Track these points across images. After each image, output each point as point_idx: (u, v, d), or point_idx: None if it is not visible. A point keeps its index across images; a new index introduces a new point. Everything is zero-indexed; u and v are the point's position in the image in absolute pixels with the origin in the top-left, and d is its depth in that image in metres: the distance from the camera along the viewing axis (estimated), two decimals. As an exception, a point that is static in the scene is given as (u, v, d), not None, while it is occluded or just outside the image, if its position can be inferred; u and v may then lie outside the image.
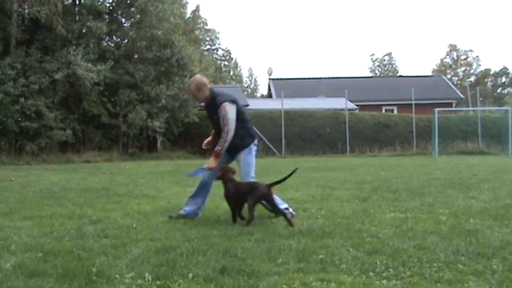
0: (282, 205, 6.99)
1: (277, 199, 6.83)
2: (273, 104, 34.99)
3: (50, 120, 24.65)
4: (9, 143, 24.82)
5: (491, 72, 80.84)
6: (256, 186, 6.70)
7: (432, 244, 5.13)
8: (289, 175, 6.88)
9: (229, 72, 77.93)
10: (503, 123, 29.93)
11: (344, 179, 12.80)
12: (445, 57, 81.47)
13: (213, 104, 7.15)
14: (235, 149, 7.19)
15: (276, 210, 6.68)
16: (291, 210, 7.00)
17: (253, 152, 7.29)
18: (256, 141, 7.38)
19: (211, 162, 7.05)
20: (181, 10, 35.80)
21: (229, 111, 6.99)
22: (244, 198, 6.64)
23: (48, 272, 4.32)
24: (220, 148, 6.98)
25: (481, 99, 38.97)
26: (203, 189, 7.34)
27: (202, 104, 7.44)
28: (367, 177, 13.09)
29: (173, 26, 29.94)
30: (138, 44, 28.74)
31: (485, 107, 48.65)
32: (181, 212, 7.27)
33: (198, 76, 7.43)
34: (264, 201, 6.70)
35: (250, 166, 7.21)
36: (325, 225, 6.33)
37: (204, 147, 7.61)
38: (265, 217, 7.00)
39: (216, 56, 71.88)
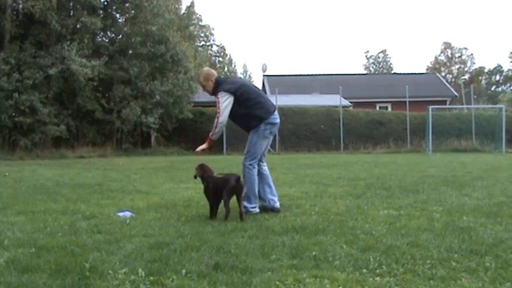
0: (273, 197, 7.33)
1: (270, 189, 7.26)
2: (267, 101, 34.89)
3: (44, 115, 24.62)
4: (2, 138, 24.80)
5: (486, 70, 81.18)
6: (228, 179, 6.76)
7: (425, 241, 5.14)
8: None
9: (224, 68, 77.78)
10: (497, 121, 29.97)
11: (338, 175, 12.80)
12: (439, 55, 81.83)
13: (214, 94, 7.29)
14: (247, 130, 7.38)
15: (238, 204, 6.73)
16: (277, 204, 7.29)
17: (261, 132, 7.26)
18: (269, 121, 7.30)
19: (203, 145, 7.17)
20: (176, 6, 35.63)
21: (221, 99, 7.08)
22: (221, 193, 6.71)
23: (41, 267, 4.31)
24: (212, 134, 7.12)
25: (475, 97, 38.99)
26: (260, 178, 7.41)
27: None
28: (361, 174, 13.10)
29: (168, 22, 29.86)
30: (133, 40, 28.68)
31: (479, 104, 48.78)
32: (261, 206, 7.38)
33: (206, 68, 7.57)
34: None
35: (250, 144, 7.28)
36: (319, 221, 6.33)
37: None
38: (258, 213, 7.00)
39: (211, 52, 71.74)
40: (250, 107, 7.18)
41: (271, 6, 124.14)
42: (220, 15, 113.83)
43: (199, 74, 7.50)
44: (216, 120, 7.06)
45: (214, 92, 7.26)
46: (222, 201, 6.67)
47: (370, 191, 9.46)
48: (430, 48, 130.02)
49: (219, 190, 6.69)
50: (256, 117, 7.21)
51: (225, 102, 7.07)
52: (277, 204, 7.32)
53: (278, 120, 7.44)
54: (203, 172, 7.01)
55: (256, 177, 7.32)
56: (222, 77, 7.59)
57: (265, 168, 7.52)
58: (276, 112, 7.45)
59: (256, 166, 7.32)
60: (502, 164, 17.29)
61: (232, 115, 7.21)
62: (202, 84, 7.36)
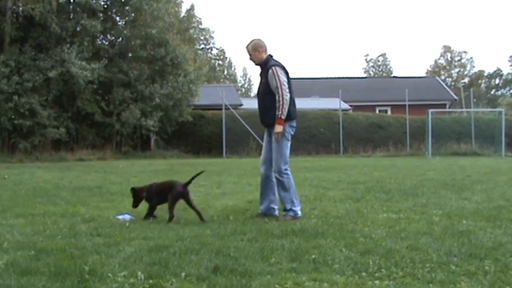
0: (275, 206, 7.32)
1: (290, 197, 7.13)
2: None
3: (44, 118, 24.61)
4: (2, 140, 24.82)
5: (485, 74, 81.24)
6: (174, 184, 6.90)
7: (425, 245, 5.14)
8: (197, 175, 7.04)
9: (224, 71, 77.92)
10: (497, 124, 30.04)
11: (337, 179, 12.81)
12: (439, 59, 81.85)
13: (263, 67, 7.23)
14: (269, 122, 7.23)
15: (192, 208, 6.85)
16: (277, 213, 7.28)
17: (286, 134, 7.18)
18: (294, 123, 7.30)
19: (277, 128, 7.02)
20: (176, 9, 35.64)
21: (279, 73, 7.01)
22: (165, 197, 6.83)
23: (40, 270, 4.30)
24: (280, 113, 6.97)
25: (474, 100, 39.09)
26: (267, 183, 7.39)
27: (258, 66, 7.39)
28: (361, 178, 13.10)
29: (168, 25, 29.90)
30: (133, 43, 28.70)
31: (478, 108, 48.81)
32: (259, 211, 7.35)
33: (257, 38, 7.41)
34: (182, 199, 6.87)
35: (279, 149, 7.17)
36: (318, 225, 6.34)
37: None
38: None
39: (210, 55, 71.85)
40: None
41: (271, 10, 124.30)
42: (220, 19, 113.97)
43: (249, 42, 7.34)
44: (279, 98, 6.94)
45: (263, 64, 7.22)
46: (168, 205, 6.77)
47: (370, 195, 9.47)
48: (430, 52, 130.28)
49: (164, 193, 6.84)
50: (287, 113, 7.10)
51: (284, 77, 7.03)
52: (277, 213, 7.30)
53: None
54: (142, 190, 7.13)
55: (293, 181, 7.30)
56: None
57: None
58: None
59: (289, 170, 7.27)
60: (501, 167, 17.30)
61: (268, 95, 7.14)
62: (249, 52, 7.30)
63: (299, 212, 7.13)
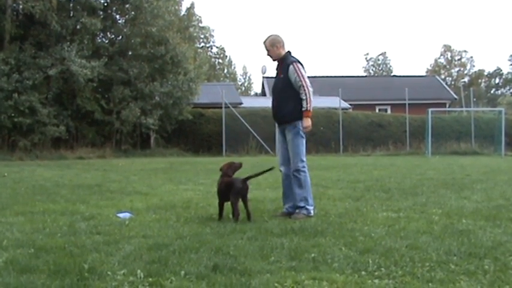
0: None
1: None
2: (267, 102, 34.71)
3: (44, 116, 24.61)
4: (2, 138, 24.81)
5: (485, 73, 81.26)
6: (233, 182, 6.82)
7: (424, 244, 5.13)
8: (265, 171, 7.10)
9: (224, 70, 77.84)
10: (497, 124, 29.99)
11: (337, 178, 12.81)
12: (439, 58, 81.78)
13: (282, 63, 7.21)
14: (283, 119, 7.31)
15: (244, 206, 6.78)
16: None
17: (299, 132, 7.18)
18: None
19: (305, 121, 7.09)
20: (176, 7, 35.53)
21: (301, 69, 7.05)
22: (226, 195, 6.74)
23: (40, 268, 4.30)
24: (308, 106, 7.05)
25: (474, 99, 39.08)
26: (289, 183, 7.34)
27: (275, 62, 7.37)
28: (360, 177, 13.10)
29: (168, 23, 29.84)
30: (133, 41, 28.68)
31: (478, 107, 48.78)
32: (284, 210, 7.31)
33: (275, 34, 7.39)
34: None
35: (295, 148, 7.17)
36: (318, 224, 6.33)
37: None
38: (257, 215, 6.99)
39: (211, 54, 71.78)
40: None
41: (271, 8, 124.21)
42: (220, 17, 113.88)
43: (267, 38, 7.32)
44: (305, 91, 7.00)
45: (281, 60, 7.22)
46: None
47: (370, 194, 9.46)
48: (430, 51, 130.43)
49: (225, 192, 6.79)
50: (300, 111, 7.12)
51: (305, 73, 7.06)
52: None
53: None
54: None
55: (309, 179, 7.32)
56: None
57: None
58: None
59: (306, 168, 7.27)
60: (501, 166, 17.29)
61: (285, 91, 7.17)
62: (267, 48, 7.28)
63: (312, 211, 7.13)
